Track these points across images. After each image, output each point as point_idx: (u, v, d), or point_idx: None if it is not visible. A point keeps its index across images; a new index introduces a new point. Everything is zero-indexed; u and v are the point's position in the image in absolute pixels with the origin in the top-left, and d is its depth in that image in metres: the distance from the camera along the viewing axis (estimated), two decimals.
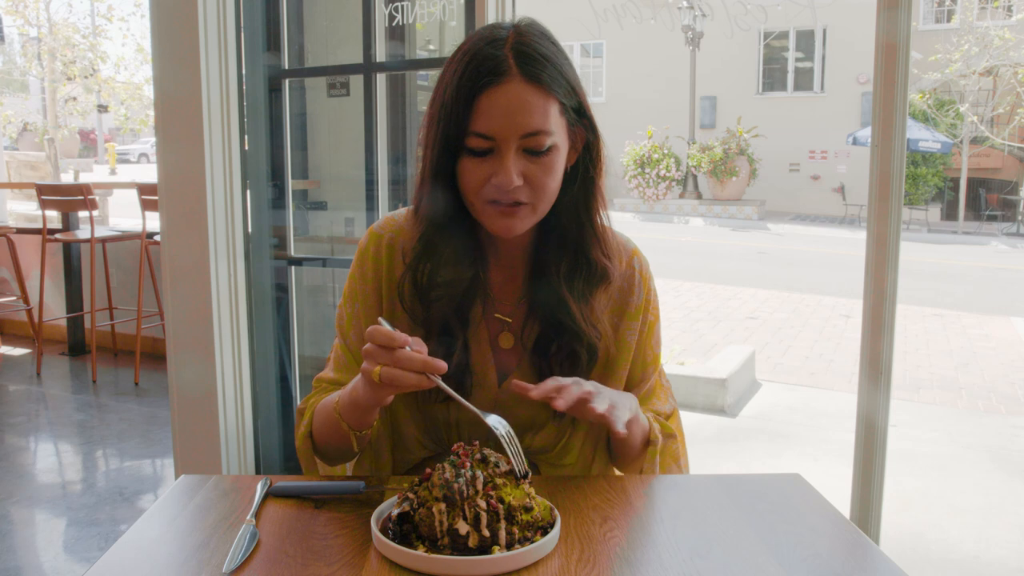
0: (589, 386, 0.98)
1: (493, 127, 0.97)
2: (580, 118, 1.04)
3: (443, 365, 0.89)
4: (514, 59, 0.97)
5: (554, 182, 1.02)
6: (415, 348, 0.90)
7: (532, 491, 0.88)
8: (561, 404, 0.94)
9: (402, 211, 1.16)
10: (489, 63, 0.97)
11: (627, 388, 1.16)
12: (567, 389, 0.96)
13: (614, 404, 0.99)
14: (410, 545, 0.83)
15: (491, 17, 2.03)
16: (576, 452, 1.15)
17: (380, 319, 0.92)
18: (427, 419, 1.12)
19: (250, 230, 2.48)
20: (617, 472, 1.20)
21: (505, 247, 1.11)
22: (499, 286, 1.13)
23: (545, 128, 0.98)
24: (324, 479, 1.07)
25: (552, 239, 1.09)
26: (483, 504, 0.83)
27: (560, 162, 1.02)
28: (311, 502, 0.97)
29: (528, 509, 0.86)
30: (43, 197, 4.38)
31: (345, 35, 2.68)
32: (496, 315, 1.12)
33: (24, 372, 4.67)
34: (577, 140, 1.05)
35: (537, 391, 0.95)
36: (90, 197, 4.27)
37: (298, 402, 2.71)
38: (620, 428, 0.98)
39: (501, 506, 0.83)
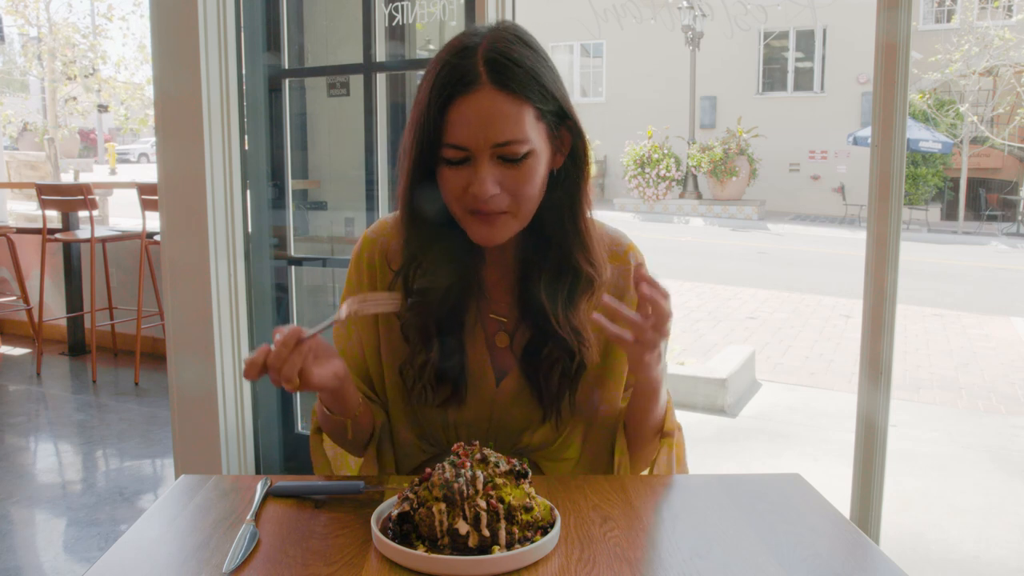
0: (658, 346, 1.00)
1: (465, 138, 0.96)
2: (562, 121, 1.02)
3: (296, 332, 0.92)
4: (484, 67, 0.96)
5: (533, 189, 1.00)
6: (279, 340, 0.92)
7: (532, 491, 0.88)
8: (628, 335, 0.96)
9: (389, 217, 1.16)
10: (458, 72, 0.96)
11: (626, 384, 1.16)
12: (645, 331, 0.96)
13: (654, 364, 1.01)
14: (410, 545, 0.83)
15: (491, 17, 2.03)
16: (577, 446, 1.14)
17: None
18: (423, 422, 1.12)
19: (250, 230, 2.48)
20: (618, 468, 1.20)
21: (496, 250, 1.10)
22: (493, 285, 1.12)
23: (518, 136, 0.96)
24: (324, 479, 1.07)
25: (539, 245, 1.08)
26: (483, 504, 0.83)
27: (539, 168, 1.00)
28: (311, 502, 0.97)
29: (528, 509, 0.86)
30: (43, 197, 4.38)
31: (345, 35, 2.67)
32: (492, 315, 1.12)
33: (24, 372, 4.67)
34: (563, 143, 1.04)
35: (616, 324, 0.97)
36: (90, 197, 4.27)
37: (298, 402, 2.71)
38: (645, 367, 1.00)
39: (501, 506, 0.83)
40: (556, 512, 0.89)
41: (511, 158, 0.97)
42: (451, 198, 1.00)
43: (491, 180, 0.97)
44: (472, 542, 0.82)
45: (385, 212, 2.53)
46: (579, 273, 1.07)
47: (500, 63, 0.96)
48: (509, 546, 0.82)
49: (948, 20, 16.01)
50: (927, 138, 14.85)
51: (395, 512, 0.86)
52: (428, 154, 0.98)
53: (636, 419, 1.11)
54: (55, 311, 4.98)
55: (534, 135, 0.98)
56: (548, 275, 1.07)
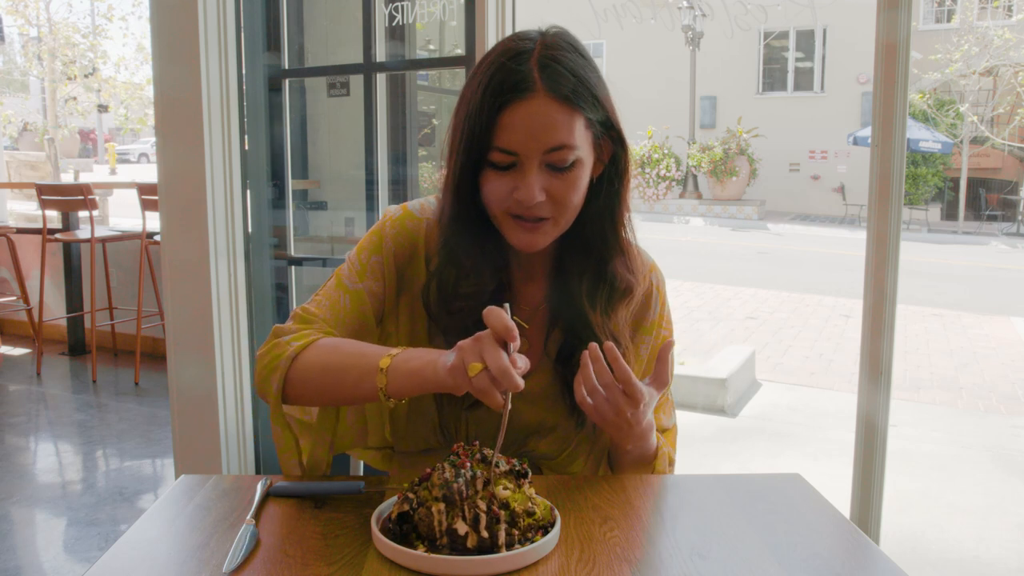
0: (637, 413, 0.99)
1: (516, 143, 0.96)
2: (607, 130, 1.02)
3: (522, 384, 0.84)
4: (539, 73, 0.95)
5: (577, 197, 1.01)
6: (514, 352, 0.84)
7: (533, 491, 0.88)
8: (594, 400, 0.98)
9: (432, 201, 1.14)
10: (513, 77, 0.95)
11: None
12: (617, 400, 0.97)
13: (641, 434, 1.03)
14: (410, 545, 0.83)
15: (491, 17, 2.03)
16: (583, 460, 1.14)
17: (505, 304, 0.86)
18: (444, 412, 1.11)
19: (250, 230, 2.48)
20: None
21: (527, 253, 1.09)
22: (518, 289, 1.12)
23: (569, 143, 0.96)
24: (324, 479, 1.07)
25: (575, 250, 1.08)
26: (483, 505, 0.83)
27: (584, 176, 1.01)
28: (311, 502, 0.97)
29: (531, 513, 0.86)
30: (43, 197, 4.38)
31: (345, 35, 2.68)
32: (514, 318, 1.12)
33: (24, 372, 4.67)
34: (603, 152, 1.04)
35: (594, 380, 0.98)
36: (90, 197, 4.27)
37: None
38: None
39: (503, 512, 0.83)
40: (556, 512, 0.89)
41: (559, 166, 0.98)
42: (493, 201, 1.00)
43: (538, 187, 0.97)
44: (471, 543, 0.81)
45: None
46: (617, 281, 1.08)
47: (554, 70, 0.96)
48: (509, 546, 0.82)
49: (948, 20, 16.01)
50: (927, 138, 14.86)
51: (395, 512, 0.86)
52: (475, 155, 0.98)
53: (617, 451, 1.11)
54: (55, 311, 4.98)
55: (582, 143, 0.98)
56: (587, 283, 1.08)
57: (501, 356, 0.83)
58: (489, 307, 0.85)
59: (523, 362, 0.85)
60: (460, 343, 0.87)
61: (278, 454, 1.09)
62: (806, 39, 17.34)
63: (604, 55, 18.22)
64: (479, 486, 0.84)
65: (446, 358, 0.88)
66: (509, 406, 0.85)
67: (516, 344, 0.84)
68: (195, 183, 2.28)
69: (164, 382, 3.94)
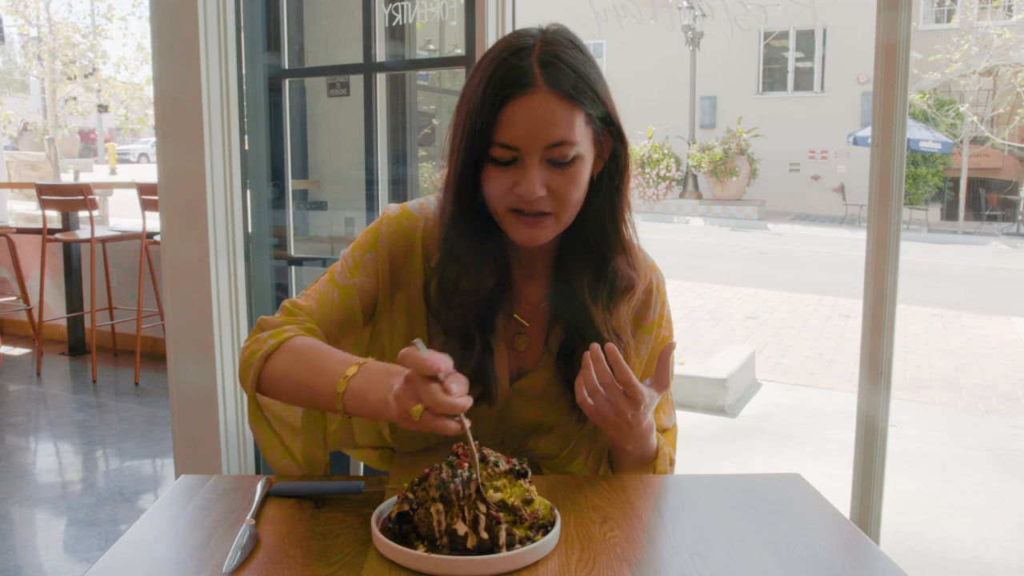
0: (637, 414, 0.99)
1: (517, 138, 0.96)
2: (607, 126, 1.03)
3: (468, 402, 0.86)
4: (540, 69, 0.96)
5: (578, 192, 1.01)
6: (447, 377, 0.85)
7: (533, 488, 0.88)
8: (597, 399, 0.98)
9: (432, 200, 1.14)
10: (514, 73, 0.96)
11: None
12: (618, 401, 0.98)
13: (641, 435, 1.03)
14: (410, 545, 0.83)
15: (491, 17, 2.03)
16: (582, 459, 1.14)
17: (416, 341, 0.87)
18: None
19: (250, 230, 2.48)
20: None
21: (528, 251, 1.10)
22: (519, 287, 1.13)
23: (569, 139, 0.97)
24: (324, 479, 1.07)
25: (576, 248, 1.08)
26: (482, 507, 0.83)
27: (584, 172, 1.01)
28: (311, 502, 0.97)
29: (529, 501, 0.86)
30: (43, 197, 4.38)
31: (345, 35, 2.68)
32: (515, 316, 1.12)
33: (24, 372, 4.67)
34: (603, 148, 1.04)
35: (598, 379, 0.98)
36: (90, 197, 4.27)
37: None
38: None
39: (502, 514, 0.83)
40: (556, 512, 0.89)
41: (559, 161, 0.98)
42: (494, 196, 1.01)
43: (539, 182, 0.97)
44: (470, 543, 0.81)
45: None
46: (619, 276, 1.08)
47: (555, 66, 0.97)
48: (509, 546, 0.82)
49: (948, 20, 16.01)
50: (927, 138, 14.86)
51: (394, 512, 0.86)
52: (476, 151, 0.99)
53: (617, 450, 1.11)
54: (55, 311, 4.98)
55: (582, 139, 0.99)
56: (588, 279, 1.08)
57: (433, 391, 0.84)
58: (402, 351, 0.85)
59: (458, 385, 0.85)
60: (394, 393, 0.88)
61: (263, 453, 1.09)
62: (806, 39, 17.34)
63: (604, 55, 18.20)
64: (475, 488, 0.84)
65: (394, 400, 0.88)
66: (467, 423, 0.85)
67: (444, 369, 0.85)
68: (195, 183, 2.28)
69: (164, 382, 3.94)
